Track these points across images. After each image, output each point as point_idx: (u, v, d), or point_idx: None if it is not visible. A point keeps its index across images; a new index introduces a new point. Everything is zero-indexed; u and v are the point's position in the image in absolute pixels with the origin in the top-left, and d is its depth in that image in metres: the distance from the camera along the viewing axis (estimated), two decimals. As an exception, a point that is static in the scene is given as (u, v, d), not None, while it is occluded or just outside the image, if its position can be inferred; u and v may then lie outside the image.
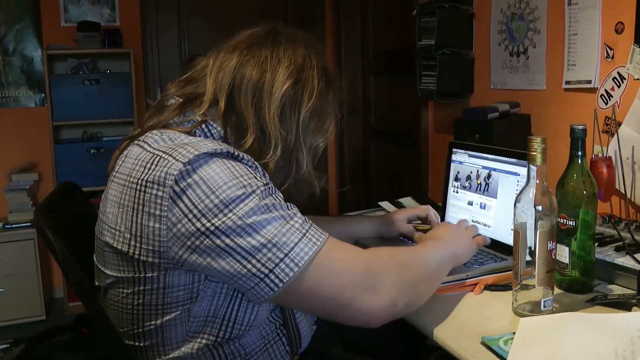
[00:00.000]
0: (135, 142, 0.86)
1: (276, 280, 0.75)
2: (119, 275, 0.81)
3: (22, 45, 2.86)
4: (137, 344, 0.84)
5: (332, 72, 0.94)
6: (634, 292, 0.99)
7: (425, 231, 1.27)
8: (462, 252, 1.04)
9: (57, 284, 2.95)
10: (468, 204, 1.35)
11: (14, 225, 2.67)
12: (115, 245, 0.80)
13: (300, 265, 0.76)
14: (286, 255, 0.75)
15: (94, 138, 2.90)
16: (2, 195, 2.72)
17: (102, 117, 2.80)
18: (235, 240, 0.74)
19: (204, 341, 0.82)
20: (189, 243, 0.75)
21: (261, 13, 2.99)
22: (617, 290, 1.03)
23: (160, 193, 0.75)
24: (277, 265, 0.75)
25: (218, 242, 0.74)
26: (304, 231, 0.78)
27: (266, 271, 0.75)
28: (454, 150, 1.41)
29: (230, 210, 0.74)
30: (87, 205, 1.13)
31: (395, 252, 0.89)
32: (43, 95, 2.87)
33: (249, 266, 0.75)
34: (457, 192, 1.39)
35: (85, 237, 0.97)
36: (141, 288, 0.80)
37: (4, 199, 2.71)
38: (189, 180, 0.75)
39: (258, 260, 0.75)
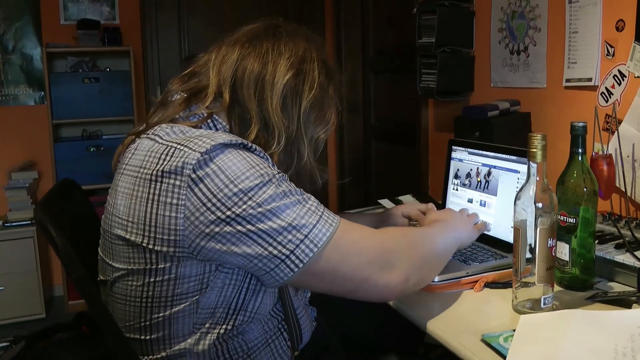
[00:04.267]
0: (144, 135, 0.87)
1: (297, 261, 0.78)
2: (129, 267, 0.82)
3: (22, 43, 2.85)
4: (142, 337, 0.84)
5: (333, 66, 0.95)
6: (634, 289, 0.99)
7: None
8: (465, 235, 1.06)
9: (57, 282, 2.95)
10: (468, 201, 1.35)
11: (13, 224, 2.66)
12: (127, 237, 0.80)
13: (320, 245, 0.78)
14: (306, 236, 0.78)
15: (93, 136, 2.89)
16: (1, 193, 2.72)
17: (102, 115, 2.79)
18: (257, 225, 0.76)
19: (209, 332, 0.83)
20: (207, 230, 0.76)
21: (261, 11, 2.98)
22: (617, 287, 1.04)
23: (177, 182, 0.76)
24: (297, 246, 0.77)
25: (239, 228, 0.76)
26: (319, 213, 0.81)
27: (287, 252, 0.77)
28: (454, 147, 1.41)
29: (250, 198, 0.76)
30: (86, 202, 1.13)
31: (406, 231, 0.96)
32: (43, 93, 2.87)
33: (270, 248, 0.77)
34: (457, 189, 1.39)
35: (84, 233, 0.97)
36: (152, 280, 0.80)
37: (4, 197, 2.70)
38: (207, 169, 0.76)
39: (279, 243, 0.77)
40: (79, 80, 2.76)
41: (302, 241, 0.78)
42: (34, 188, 2.83)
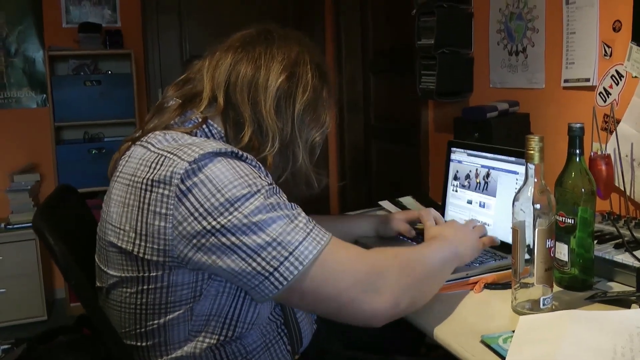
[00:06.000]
0: (138, 143, 0.87)
1: (280, 279, 0.76)
2: (123, 275, 0.82)
3: (24, 47, 2.86)
4: (139, 344, 0.84)
5: (326, 69, 0.95)
6: (633, 289, 0.99)
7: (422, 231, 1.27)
8: (466, 252, 1.04)
9: (58, 285, 2.96)
10: (467, 202, 1.35)
11: (15, 226, 2.67)
12: (119, 245, 0.81)
13: (305, 263, 0.77)
14: (290, 253, 0.76)
15: (95, 139, 2.91)
16: (3, 196, 2.73)
17: (104, 118, 2.81)
18: (241, 238, 0.75)
19: (206, 340, 0.83)
20: (194, 241, 0.76)
21: (261, 13, 2.99)
22: (616, 287, 1.04)
23: (166, 192, 0.76)
24: (281, 263, 0.76)
25: (223, 240, 0.75)
26: (308, 230, 0.79)
27: (271, 269, 0.76)
28: (453, 149, 1.41)
29: (236, 209, 0.75)
30: (84, 207, 1.13)
31: (399, 252, 0.90)
32: (45, 96, 2.88)
33: (254, 264, 0.76)
34: (456, 191, 1.39)
35: (83, 239, 0.97)
36: (145, 287, 0.81)
37: (6, 199, 2.72)
38: (195, 179, 0.76)
39: (263, 259, 0.75)
40: (81, 83, 2.78)
41: (286, 258, 0.76)
42: (36, 190, 2.84)
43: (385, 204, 1.67)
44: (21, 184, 2.74)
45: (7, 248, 2.62)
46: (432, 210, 1.27)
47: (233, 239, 0.75)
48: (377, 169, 3.11)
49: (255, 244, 0.75)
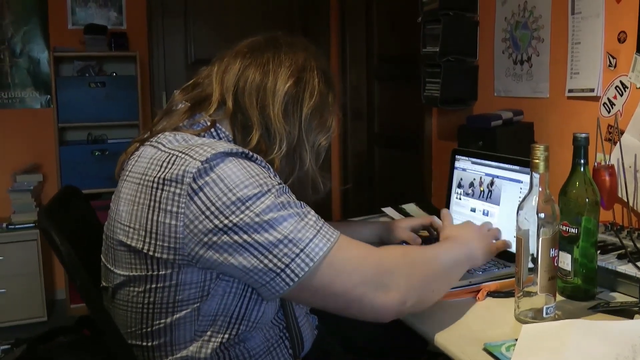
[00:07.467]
0: (147, 143, 0.88)
1: (292, 275, 0.77)
2: (131, 273, 0.83)
3: (29, 47, 2.88)
4: (144, 343, 0.84)
5: (331, 75, 0.97)
6: (636, 299, 0.99)
7: (427, 239, 1.27)
8: (479, 254, 1.04)
9: (59, 285, 2.96)
10: (471, 210, 1.35)
11: (17, 226, 2.67)
12: (129, 243, 0.81)
13: (315, 260, 0.78)
14: (302, 250, 0.77)
15: (98, 140, 2.91)
16: (6, 195, 2.73)
17: (108, 120, 2.81)
18: (253, 236, 0.76)
19: (211, 339, 0.83)
20: (205, 239, 0.77)
21: (266, 18, 3.00)
22: (619, 297, 1.04)
23: (177, 190, 0.77)
24: (293, 260, 0.77)
25: (236, 238, 0.76)
26: (318, 228, 0.80)
27: (282, 266, 0.77)
28: (457, 157, 1.42)
29: (248, 208, 0.76)
30: (88, 208, 1.14)
31: (408, 250, 0.94)
32: (49, 96, 2.89)
33: (266, 261, 0.77)
34: (460, 198, 1.40)
35: (85, 240, 0.98)
36: (153, 286, 0.81)
37: (8, 199, 2.72)
38: (207, 178, 0.77)
39: (275, 256, 0.77)
40: (85, 84, 2.79)
41: (297, 255, 0.77)
42: (39, 191, 2.84)
43: (388, 210, 1.67)
44: (24, 184, 2.75)
45: (8, 248, 2.62)
46: (435, 218, 1.27)
47: (245, 236, 0.76)
48: (380, 176, 3.12)
49: (267, 241, 0.76)
